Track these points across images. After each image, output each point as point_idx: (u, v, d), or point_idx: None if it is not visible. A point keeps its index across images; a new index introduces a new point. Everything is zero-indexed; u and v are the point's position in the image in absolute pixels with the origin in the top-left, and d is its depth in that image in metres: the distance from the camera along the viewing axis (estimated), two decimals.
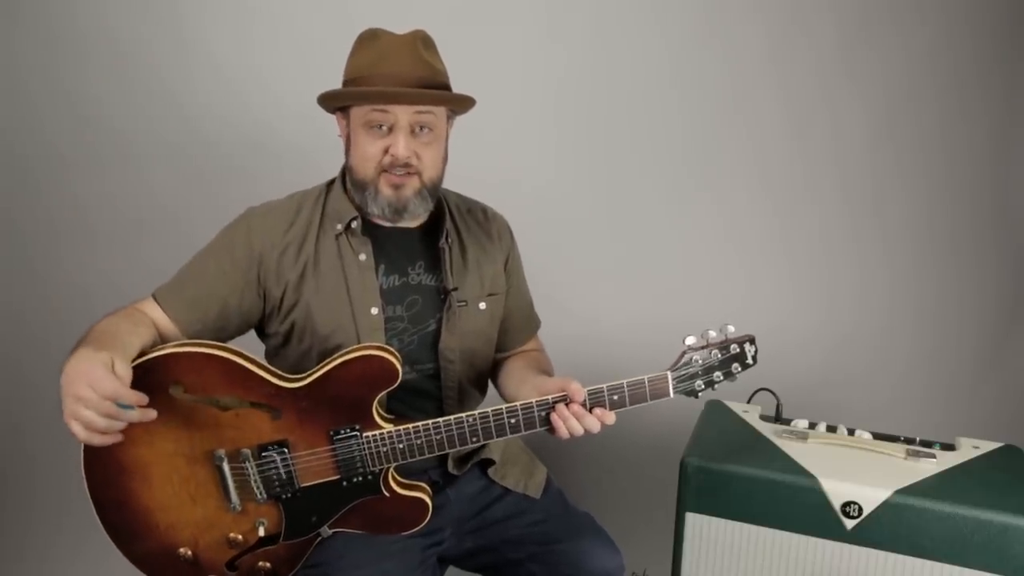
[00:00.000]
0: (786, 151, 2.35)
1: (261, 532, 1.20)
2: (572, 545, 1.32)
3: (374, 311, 1.29)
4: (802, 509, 1.44)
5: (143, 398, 1.06)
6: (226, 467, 1.17)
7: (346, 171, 1.34)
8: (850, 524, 1.42)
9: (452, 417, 1.18)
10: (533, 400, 1.19)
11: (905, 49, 2.29)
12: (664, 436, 2.09)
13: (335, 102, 1.30)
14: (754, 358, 1.28)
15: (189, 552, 1.20)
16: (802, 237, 2.40)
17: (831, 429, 1.62)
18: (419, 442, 1.19)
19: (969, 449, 1.56)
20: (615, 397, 1.19)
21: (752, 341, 1.27)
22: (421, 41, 1.28)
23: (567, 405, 1.18)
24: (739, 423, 1.65)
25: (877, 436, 1.60)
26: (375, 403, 1.19)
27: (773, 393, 1.67)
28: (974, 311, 2.45)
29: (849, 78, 2.30)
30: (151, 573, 1.22)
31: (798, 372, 2.31)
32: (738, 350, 1.25)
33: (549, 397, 1.19)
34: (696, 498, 1.51)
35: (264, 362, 1.20)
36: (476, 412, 1.18)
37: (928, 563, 1.38)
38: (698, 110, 2.32)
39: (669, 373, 1.21)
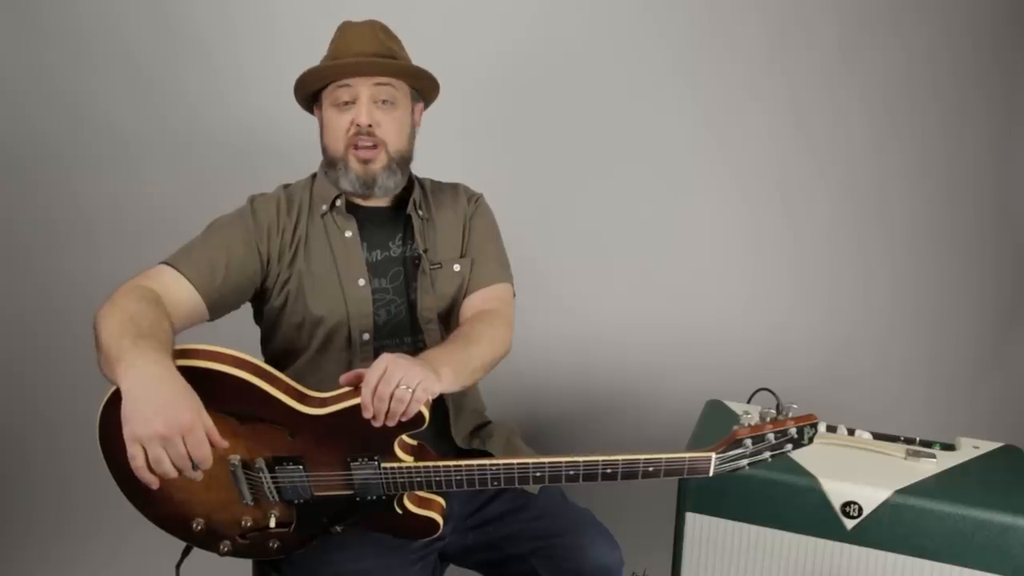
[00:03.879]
0: (787, 150, 2.34)
1: (272, 523, 1.21)
2: (573, 539, 1.33)
3: (361, 282, 1.36)
4: (802, 509, 1.44)
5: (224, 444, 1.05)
6: (240, 473, 1.17)
7: (322, 155, 1.41)
8: (850, 524, 1.42)
9: (476, 463, 1.18)
10: (563, 460, 1.16)
11: (905, 49, 2.29)
12: (664, 436, 2.09)
13: (304, 88, 1.38)
14: (811, 440, 1.16)
15: (202, 524, 1.21)
16: (803, 236, 2.40)
17: (831, 429, 1.62)
18: (438, 479, 1.18)
19: (969, 449, 1.56)
20: (650, 469, 1.16)
21: (815, 425, 1.16)
22: (380, 28, 1.39)
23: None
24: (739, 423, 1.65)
25: (877, 436, 1.60)
26: (398, 438, 1.18)
27: (773, 393, 1.67)
28: (974, 311, 2.45)
29: (850, 77, 2.30)
30: (168, 531, 1.23)
31: (798, 372, 2.31)
32: (796, 434, 1.15)
33: (580, 459, 1.16)
34: (696, 498, 1.51)
35: (289, 380, 1.19)
36: (501, 461, 1.17)
37: (928, 563, 1.38)
38: (700, 108, 2.32)
39: (713, 455, 1.16)
